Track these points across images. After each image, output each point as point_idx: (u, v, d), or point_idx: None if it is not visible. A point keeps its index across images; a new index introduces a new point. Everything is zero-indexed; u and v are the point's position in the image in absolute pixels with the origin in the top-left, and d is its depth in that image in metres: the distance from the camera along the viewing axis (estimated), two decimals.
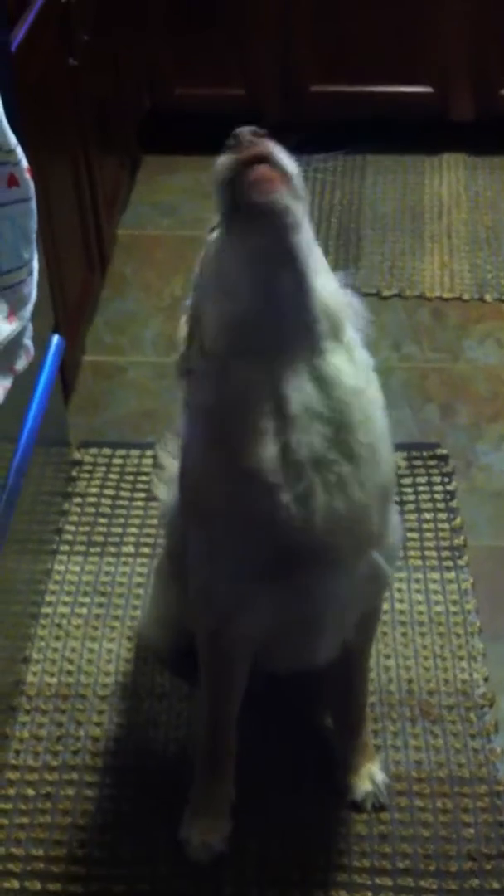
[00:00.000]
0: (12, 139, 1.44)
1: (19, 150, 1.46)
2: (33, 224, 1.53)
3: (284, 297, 1.21)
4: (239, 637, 1.47)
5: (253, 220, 1.18)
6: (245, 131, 1.19)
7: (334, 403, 1.25)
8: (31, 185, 1.50)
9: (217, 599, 1.42)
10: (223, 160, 1.18)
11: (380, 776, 1.71)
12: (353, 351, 1.29)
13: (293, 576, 1.34)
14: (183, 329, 1.38)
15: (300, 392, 1.24)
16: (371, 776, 1.71)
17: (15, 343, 1.59)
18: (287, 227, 1.19)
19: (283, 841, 1.66)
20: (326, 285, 1.26)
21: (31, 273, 1.57)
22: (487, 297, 2.81)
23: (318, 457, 1.25)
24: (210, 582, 1.42)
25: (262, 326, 1.23)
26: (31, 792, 1.73)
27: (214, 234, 1.25)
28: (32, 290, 1.59)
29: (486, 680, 1.89)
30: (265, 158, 1.18)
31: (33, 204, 1.52)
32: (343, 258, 2.92)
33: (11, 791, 1.73)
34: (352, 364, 1.28)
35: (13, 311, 1.55)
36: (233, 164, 1.17)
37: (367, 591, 1.46)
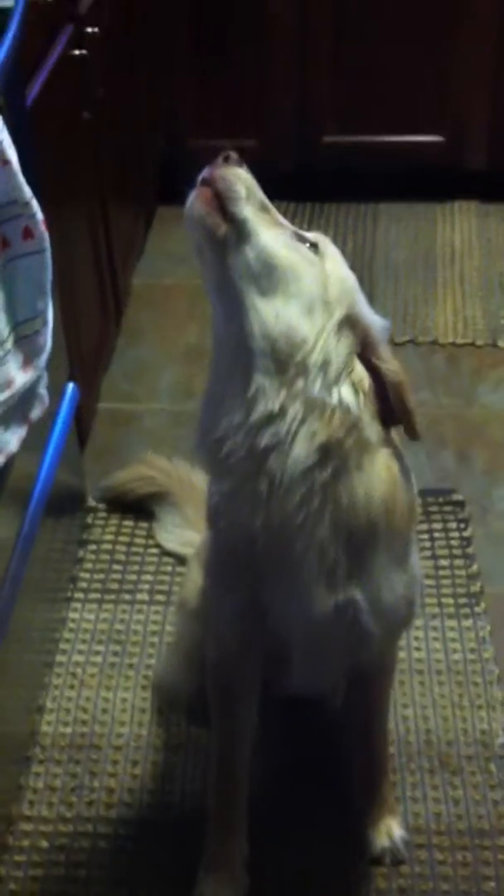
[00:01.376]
0: (27, 192, 1.46)
1: (34, 203, 1.48)
2: (48, 275, 1.55)
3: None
4: (232, 644, 1.48)
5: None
6: (220, 158, 1.26)
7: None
8: (46, 237, 1.52)
9: (215, 624, 1.50)
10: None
11: (398, 832, 1.68)
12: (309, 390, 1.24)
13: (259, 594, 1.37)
14: None
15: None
16: (389, 832, 1.68)
17: (30, 392, 1.60)
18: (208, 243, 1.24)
19: (301, 895, 1.63)
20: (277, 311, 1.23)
21: (45, 323, 1.58)
22: (500, 343, 2.82)
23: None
24: (210, 608, 1.50)
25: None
26: (44, 844, 1.71)
27: None
28: (47, 339, 1.60)
29: None
30: (212, 181, 1.25)
31: (48, 255, 1.54)
32: None
33: (25, 842, 1.71)
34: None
35: (28, 361, 1.56)
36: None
37: (350, 638, 1.42)
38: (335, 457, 1.25)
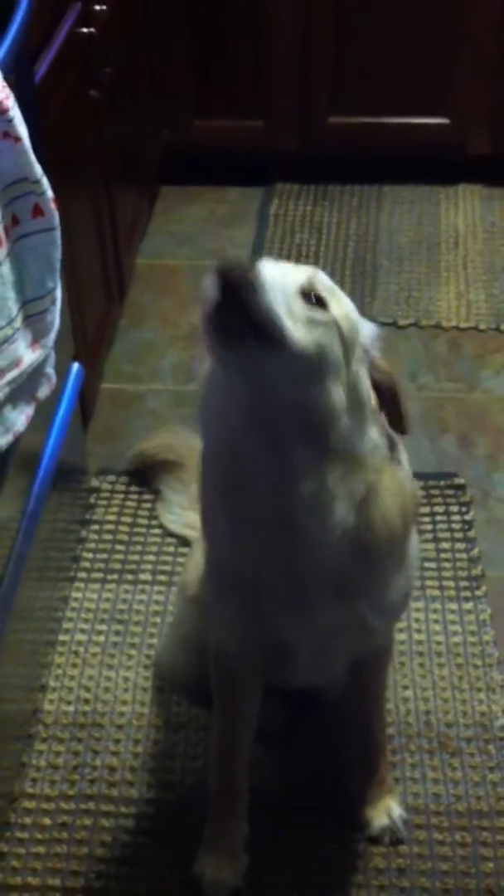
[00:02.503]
0: (38, 169, 1.46)
1: (45, 181, 1.48)
2: (57, 253, 1.55)
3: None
4: (232, 647, 1.49)
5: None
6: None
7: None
8: (56, 215, 1.52)
9: (215, 626, 1.50)
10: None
11: (397, 811, 1.70)
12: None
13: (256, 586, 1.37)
14: None
15: None
16: (388, 811, 1.69)
17: (37, 371, 1.60)
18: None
19: (300, 876, 1.65)
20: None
21: (54, 302, 1.58)
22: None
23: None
24: (210, 593, 1.50)
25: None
26: (47, 821, 1.72)
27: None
28: (55, 318, 1.60)
29: None
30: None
31: (58, 234, 1.53)
32: (359, 288, 2.93)
33: (28, 820, 1.72)
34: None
35: (37, 340, 1.56)
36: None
37: (353, 635, 1.47)
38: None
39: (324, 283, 1.22)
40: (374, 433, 1.26)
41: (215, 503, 1.36)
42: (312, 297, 1.18)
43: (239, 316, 1.11)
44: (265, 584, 1.36)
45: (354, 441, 1.23)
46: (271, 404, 1.19)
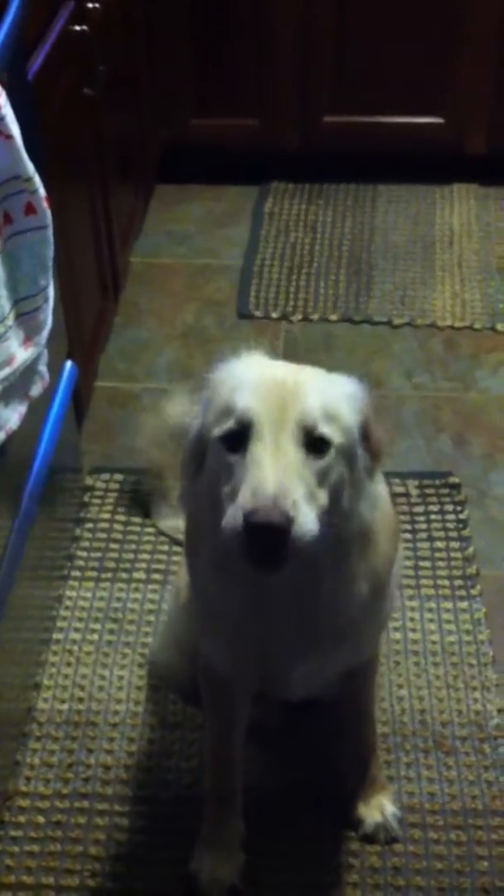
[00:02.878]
0: (30, 167, 1.45)
1: (37, 179, 1.47)
2: (50, 252, 1.54)
3: None
4: (215, 667, 1.50)
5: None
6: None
7: None
8: (48, 213, 1.52)
9: (198, 629, 1.52)
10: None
11: (390, 808, 1.70)
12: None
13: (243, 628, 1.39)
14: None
15: None
16: (381, 808, 1.70)
17: (30, 369, 1.59)
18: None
19: (296, 874, 1.65)
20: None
21: (46, 300, 1.58)
22: (499, 327, 2.82)
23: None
24: (196, 608, 1.51)
25: None
26: (41, 820, 1.72)
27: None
28: (48, 316, 1.60)
29: (499, 711, 1.88)
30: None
31: (50, 232, 1.53)
32: (354, 287, 2.93)
33: (22, 818, 1.72)
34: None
35: (29, 338, 1.56)
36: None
37: (345, 661, 1.51)
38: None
39: (313, 410, 1.17)
40: (370, 488, 1.29)
41: (214, 569, 1.35)
42: (315, 442, 1.17)
43: (279, 552, 1.12)
44: (264, 635, 1.38)
45: (362, 514, 1.27)
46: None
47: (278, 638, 1.37)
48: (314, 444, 1.17)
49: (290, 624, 1.35)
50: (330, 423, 1.19)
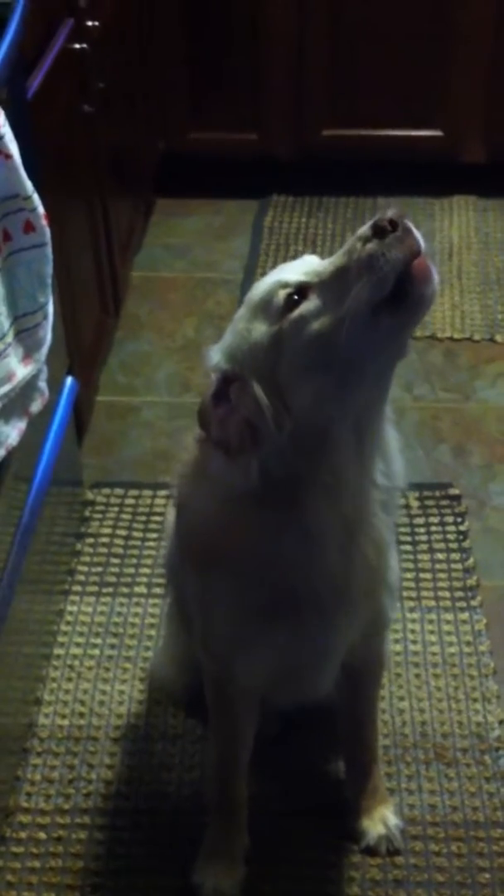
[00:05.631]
0: (29, 186, 1.47)
1: (36, 197, 1.49)
2: (48, 269, 1.56)
3: None
4: (240, 681, 1.48)
5: (419, 310, 1.19)
6: (397, 218, 1.15)
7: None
8: (47, 230, 1.53)
9: (216, 646, 1.46)
10: (392, 253, 1.14)
11: (392, 820, 1.70)
12: None
13: (297, 618, 1.36)
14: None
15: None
16: (384, 820, 1.69)
17: (30, 386, 1.60)
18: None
19: (296, 886, 1.64)
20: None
21: (46, 317, 1.59)
22: (498, 338, 2.83)
23: (366, 518, 1.33)
24: (208, 629, 1.46)
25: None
26: (42, 835, 1.72)
27: (310, 307, 1.20)
28: (47, 333, 1.61)
29: (500, 722, 1.88)
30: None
31: (49, 249, 1.54)
32: None
33: (23, 834, 1.72)
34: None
35: (28, 354, 1.57)
36: (406, 257, 1.15)
37: (367, 631, 1.48)
38: None
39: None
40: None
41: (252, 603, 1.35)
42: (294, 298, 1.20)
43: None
44: (307, 605, 1.35)
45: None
46: None
47: (320, 600, 1.34)
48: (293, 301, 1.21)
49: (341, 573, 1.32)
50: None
